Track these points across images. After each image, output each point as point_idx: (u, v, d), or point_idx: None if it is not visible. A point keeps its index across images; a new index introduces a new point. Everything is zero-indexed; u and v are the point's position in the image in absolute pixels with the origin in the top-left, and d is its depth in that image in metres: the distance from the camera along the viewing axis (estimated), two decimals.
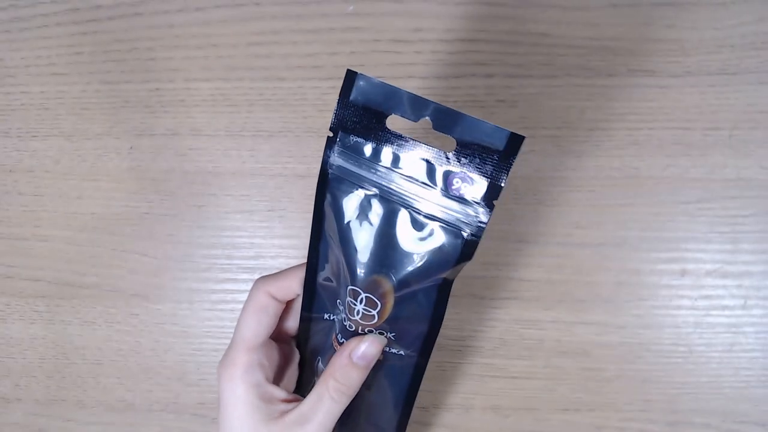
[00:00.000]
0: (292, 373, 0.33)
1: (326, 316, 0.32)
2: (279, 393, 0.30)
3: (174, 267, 0.42)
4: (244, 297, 0.32)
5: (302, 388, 0.33)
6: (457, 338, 0.41)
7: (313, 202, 0.42)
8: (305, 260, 0.31)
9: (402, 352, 0.31)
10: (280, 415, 0.29)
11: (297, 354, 0.33)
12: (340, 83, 0.40)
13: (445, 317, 0.30)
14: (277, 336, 0.33)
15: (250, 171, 0.41)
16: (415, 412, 0.41)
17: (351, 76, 0.25)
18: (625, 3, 0.38)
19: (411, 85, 0.39)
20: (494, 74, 0.39)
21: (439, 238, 0.26)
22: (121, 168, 0.41)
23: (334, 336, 0.31)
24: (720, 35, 0.38)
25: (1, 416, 0.43)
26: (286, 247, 0.41)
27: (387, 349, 0.31)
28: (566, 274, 0.40)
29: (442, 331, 0.40)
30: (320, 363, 0.33)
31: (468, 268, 0.40)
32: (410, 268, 0.27)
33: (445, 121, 0.24)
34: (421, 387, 0.41)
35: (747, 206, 0.39)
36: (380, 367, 0.31)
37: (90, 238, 0.42)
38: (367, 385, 0.31)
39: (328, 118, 0.40)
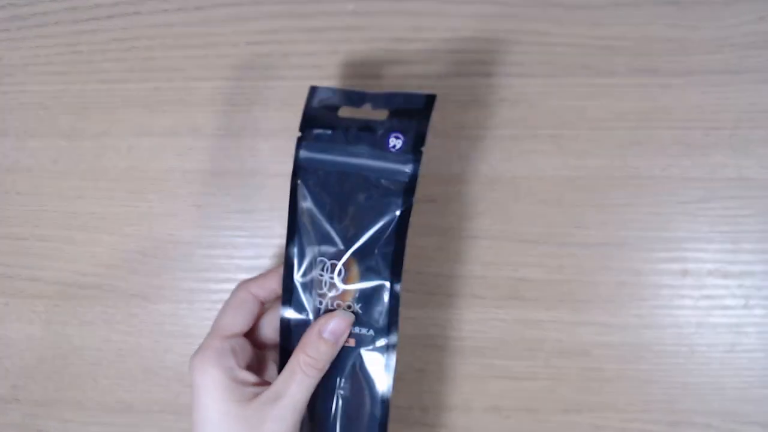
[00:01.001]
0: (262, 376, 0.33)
1: (303, 314, 0.32)
2: (250, 377, 0.31)
3: (173, 267, 0.41)
4: None
5: None
6: (458, 338, 0.41)
7: None
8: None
9: (371, 332, 0.32)
10: (253, 396, 0.30)
11: (269, 363, 0.34)
12: (340, 82, 0.40)
13: (400, 277, 0.32)
14: (251, 340, 0.33)
15: (249, 170, 0.41)
16: (416, 413, 0.41)
17: (312, 90, 0.32)
18: (626, 2, 0.38)
19: (411, 84, 0.39)
20: (495, 73, 0.39)
21: (386, 194, 0.31)
22: (120, 167, 0.41)
23: None
24: (721, 34, 0.38)
25: (0, 417, 0.43)
26: None
27: (357, 330, 0.32)
28: (567, 274, 0.40)
29: (442, 331, 0.41)
30: None
31: (468, 268, 0.40)
32: (367, 229, 0.31)
33: (379, 102, 0.31)
34: (422, 387, 0.41)
35: (748, 206, 0.39)
36: (352, 357, 0.32)
37: (89, 238, 0.42)
38: (342, 384, 0.32)
39: None
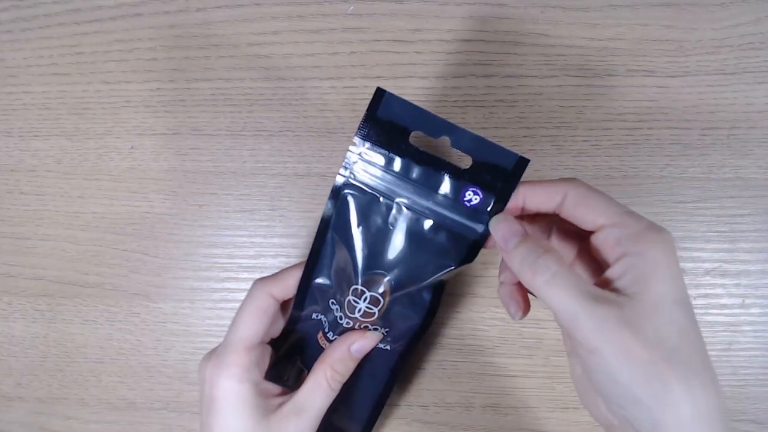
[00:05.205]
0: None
1: (314, 315, 0.33)
2: (274, 388, 0.31)
3: (175, 266, 0.42)
4: (244, 296, 0.32)
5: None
6: (457, 337, 0.41)
7: (313, 202, 0.42)
8: (303, 260, 0.31)
9: (388, 347, 0.33)
10: (277, 408, 0.30)
11: (272, 352, 0.34)
12: (340, 83, 0.40)
13: (436, 315, 0.32)
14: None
15: (250, 170, 0.41)
16: (416, 411, 0.41)
17: (380, 94, 0.27)
18: (623, 3, 0.38)
19: (411, 85, 0.40)
20: (493, 74, 0.39)
21: (446, 243, 0.29)
22: (122, 167, 0.42)
23: (321, 334, 0.33)
24: (718, 35, 0.38)
25: (3, 414, 0.43)
26: (287, 246, 0.41)
27: (378, 345, 0.32)
28: None
29: (442, 330, 0.41)
30: (299, 361, 0.34)
31: (469, 267, 0.40)
32: (415, 270, 0.29)
33: (461, 141, 0.27)
34: (422, 385, 0.41)
35: (745, 206, 0.39)
36: (364, 360, 0.32)
37: (91, 238, 0.42)
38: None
39: (329, 117, 0.40)
